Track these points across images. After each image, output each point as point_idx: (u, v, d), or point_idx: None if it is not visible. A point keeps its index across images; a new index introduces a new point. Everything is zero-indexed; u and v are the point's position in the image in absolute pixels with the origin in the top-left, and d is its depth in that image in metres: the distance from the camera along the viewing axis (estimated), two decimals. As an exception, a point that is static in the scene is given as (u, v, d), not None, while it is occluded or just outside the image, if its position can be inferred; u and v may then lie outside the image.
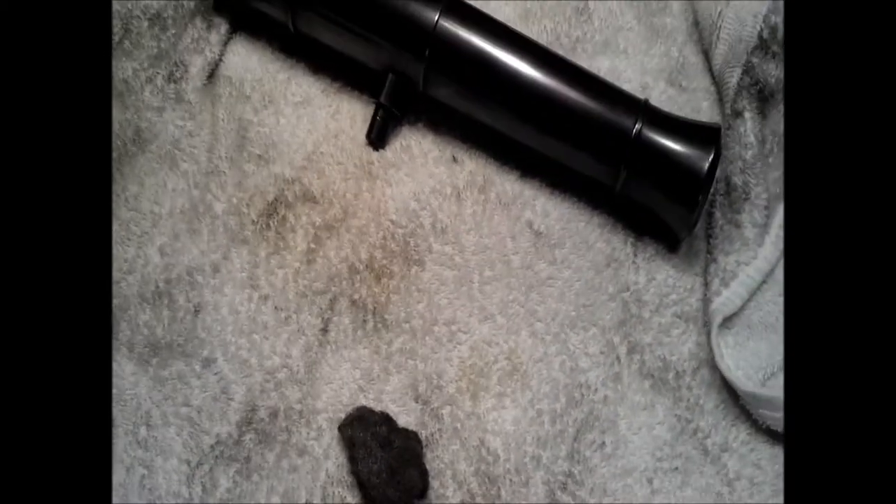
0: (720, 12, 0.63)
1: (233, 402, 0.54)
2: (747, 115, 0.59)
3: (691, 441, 0.54)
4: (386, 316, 0.57)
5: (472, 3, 0.60)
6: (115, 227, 0.59)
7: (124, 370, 0.55)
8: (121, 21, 0.63)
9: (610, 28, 0.67)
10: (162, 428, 0.53)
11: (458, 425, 0.54)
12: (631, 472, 0.54)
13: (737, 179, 0.58)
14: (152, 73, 0.63)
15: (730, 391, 0.55)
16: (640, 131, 0.55)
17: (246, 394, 0.54)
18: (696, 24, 0.66)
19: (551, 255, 0.59)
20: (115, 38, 0.63)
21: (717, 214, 0.58)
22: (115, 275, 0.58)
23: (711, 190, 0.56)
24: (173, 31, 0.64)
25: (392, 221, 0.59)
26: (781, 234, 0.57)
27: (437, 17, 0.57)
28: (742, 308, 0.56)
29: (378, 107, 0.61)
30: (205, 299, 0.57)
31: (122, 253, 0.58)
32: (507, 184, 0.61)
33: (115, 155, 0.61)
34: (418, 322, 0.57)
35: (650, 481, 0.53)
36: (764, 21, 0.60)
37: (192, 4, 0.64)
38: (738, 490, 0.53)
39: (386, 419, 0.53)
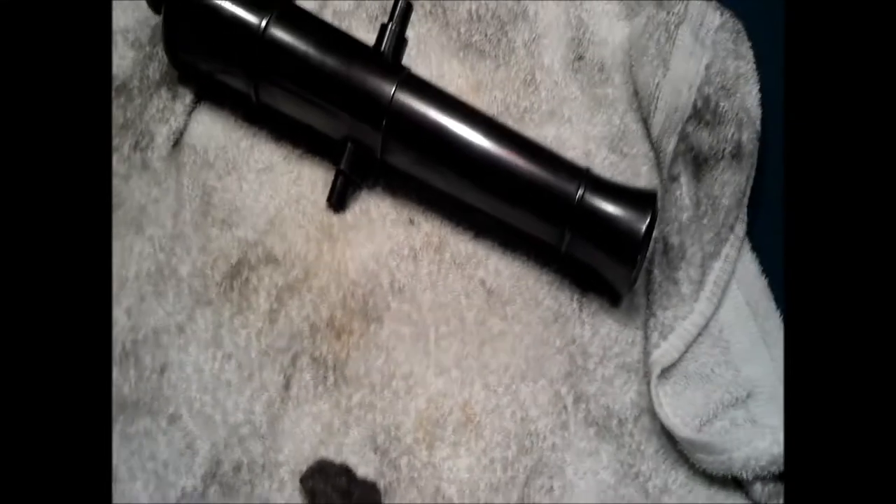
0: (657, 83, 0.68)
1: (198, 456, 0.55)
2: (683, 179, 0.63)
3: (633, 484, 0.56)
4: (346, 371, 0.58)
5: (426, 77, 0.63)
6: (82, 289, 0.61)
7: (91, 428, 0.56)
8: (88, 91, 0.65)
9: (555, 98, 0.71)
10: (128, 482, 0.54)
11: (416, 474, 0.55)
12: (577, 516, 0.56)
13: (673, 240, 0.62)
14: (119, 142, 0.65)
15: (669, 437, 0.57)
16: (582, 196, 0.58)
17: (210, 448, 0.55)
18: (636, 94, 0.71)
19: (503, 312, 0.61)
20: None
21: (656, 272, 0.61)
22: (83, 336, 0.59)
23: (650, 250, 0.60)
24: (139, 101, 0.66)
25: (352, 281, 0.61)
26: (716, 290, 0.61)
27: (393, 91, 0.60)
28: (679, 359, 0.59)
29: (338, 173, 0.63)
30: (170, 359, 0.58)
31: (90, 315, 0.60)
32: (461, 244, 0.63)
33: (83, 221, 0.63)
34: (377, 377, 0.58)
35: (595, 524, 0.55)
36: (698, 91, 0.65)
37: (157, 75, 0.67)
38: (677, 531, 0.56)
39: (345, 471, 0.54)
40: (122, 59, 0.66)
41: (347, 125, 0.62)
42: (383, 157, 0.63)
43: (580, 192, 0.59)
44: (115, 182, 0.64)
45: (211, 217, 0.63)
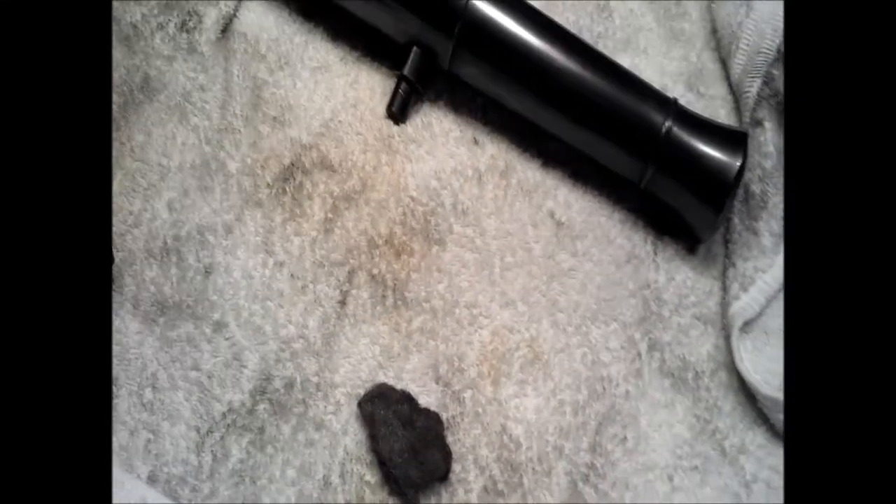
0: (740, 23, 0.63)
1: (246, 369, 0.52)
2: (767, 125, 0.59)
3: (710, 441, 0.54)
4: (406, 293, 0.55)
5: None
6: (118, 176, 0.56)
7: (128, 327, 0.52)
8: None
9: (630, 27, 0.67)
10: (169, 391, 0.51)
11: (480, 410, 0.53)
12: (652, 469, 0.53)
13: (755, 188, 0.58)
14: (164, 20, 0.60)
15: (747, 394, 0.55)
16: (670, 129, 0.55)
17: (260, 362, 0.52)
18: (715, 31, 0.66)
19: (573, 247, 0.57)
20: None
21: (736, 221, 0.58)
22: (120, 227, 0.55)
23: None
24: (187, -20, 0.60)
25: (412, 198, 0.57)
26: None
27: (469, -6, 0.55)
28: (759, 314, 0.55)
29: (401, 79, 0.59)
30: (216, 260, 0.54)
31: (127, 205, 0.56)
32: (528, 171, 0.59)
33: (120, 101, 0.58)
34: (439, 302, 0.55)
35: (671, 478, 0.53)
36: (783, 35, 0.61)
37: (207, -46, 0.61)
38: (755, 492, 0.53)
39: (407, 398, 0.51)
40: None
41: (416, 27, 0.57)
42: (451, 69, 0.58)
43: (667, 123, 0.55)
44: (158, 63, 0.59)
45: (262, 112, 0.59)
